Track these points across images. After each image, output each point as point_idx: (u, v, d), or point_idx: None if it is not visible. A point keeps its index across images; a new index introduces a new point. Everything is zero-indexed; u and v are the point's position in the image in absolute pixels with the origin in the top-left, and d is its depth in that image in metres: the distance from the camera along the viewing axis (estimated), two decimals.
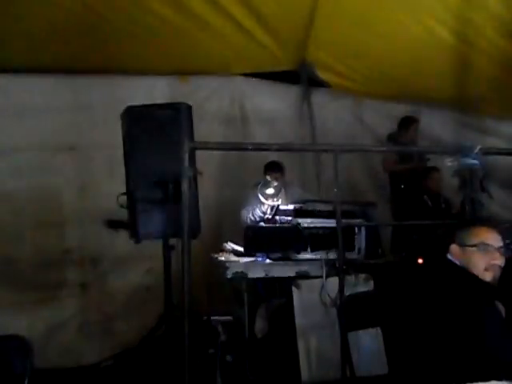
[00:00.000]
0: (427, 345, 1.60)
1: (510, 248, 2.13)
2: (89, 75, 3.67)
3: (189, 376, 2.12)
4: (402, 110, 4.23)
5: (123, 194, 2.39)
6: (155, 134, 2.25)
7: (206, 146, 2.17)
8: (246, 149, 2.24)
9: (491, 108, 4.18)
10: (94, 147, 3.68)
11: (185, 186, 1.98)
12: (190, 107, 2.35)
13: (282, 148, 2.42)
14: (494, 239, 1.64)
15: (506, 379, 1.40)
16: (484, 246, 1.62)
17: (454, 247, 1.67)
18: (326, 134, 4.32)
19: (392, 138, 3.91)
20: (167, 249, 2.43)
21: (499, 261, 1.62)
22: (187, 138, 2.12)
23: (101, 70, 3.70)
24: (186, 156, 1.99)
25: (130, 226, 2.38)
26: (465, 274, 1.60)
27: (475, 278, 1.60)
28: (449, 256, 1.67)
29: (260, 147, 2.37)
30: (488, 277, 1.61)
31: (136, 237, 2.33)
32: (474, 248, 1.62)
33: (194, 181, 2.24)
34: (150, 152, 2.25)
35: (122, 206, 2.40)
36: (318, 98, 4.36)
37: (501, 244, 1.65)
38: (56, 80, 3.64)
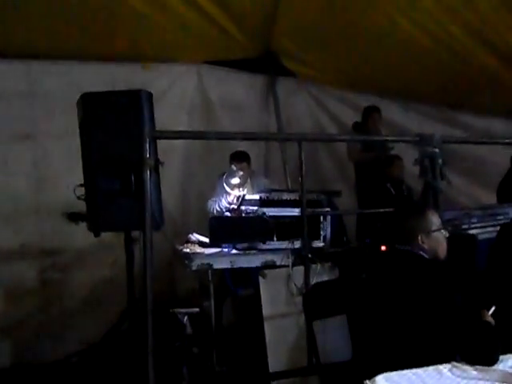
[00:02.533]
0: (390, 330, 1.62)
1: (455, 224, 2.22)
2: (44, 60, 3.50)
3: (153, 371, 2.08)
4: (366, 100, 4.27)
5: (81, 185, 2.29)
6: (114, 122, 2.15)
7: (167, 135, 2.10)
8: (208, 138, 2.18)
9: (451, 98, 4.30)
10: (51, 136, 3.51)
11: (145, 175, 1.91)
12: (150, 94, 2.25)
13: (245, 137, 2.38)
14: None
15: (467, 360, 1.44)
16: (443, 227, 1.70)
17: (419, 237, 1.69)
18: (291, 123, 4.33)
19: (356, 128, 3.94)
20: (129, 241, 2.35)
21: None
22: (147, 127, 2.05)
23: (58, 56, 3.53)
24: (147, 145, 1.91)
25: (89, 218, 2.28)
26: (435, 265, 1.64)
27: (444, 263, 1.65)
28: (415, 246, 1.69)
29: (222, 136, 2.31)
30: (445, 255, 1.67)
31: (95, 229, 2.24)
32: (438, 232, 1.68)
33: (155, 171, 2.16)
34: (109, 141, 2.14)
35: (79, 198, 2.30)
36: (284, 86, 4.35)
37: None
38: (9, 66, 3.44)
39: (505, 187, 3.52)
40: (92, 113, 2.20)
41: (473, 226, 2.66)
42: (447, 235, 1.72)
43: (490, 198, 3.81)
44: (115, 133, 2.17)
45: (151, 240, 1.92)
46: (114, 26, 3.43)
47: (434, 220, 1.72)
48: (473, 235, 2.56)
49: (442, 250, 1.70)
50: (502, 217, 2.65)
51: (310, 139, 2.77)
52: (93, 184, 2.21)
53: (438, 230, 1.69)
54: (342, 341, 2.19)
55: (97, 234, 2.28)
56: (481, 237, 2.57)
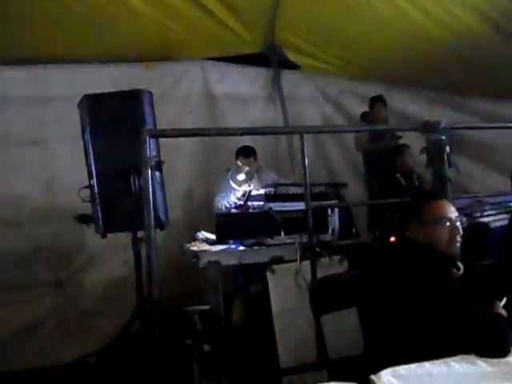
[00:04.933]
0: (397, 322, 1.59)
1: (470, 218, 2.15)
2: (48, 65, 3.53)
3: (164, 368, 2.09)
4: (374, 89, 4.20)
5: (86, 187, 2.30)
6: (115, 123, 2.16)
7: (167, 134, 2.09)
8: (208, 134, 2.17)
9: (461, 84, 4.19)
10: (58, 141, 3.55)
11: (146, 175, 1.91)
12: (150, 93, 2.25)
13: (245, 132, 2.35)
14: (450, 211, 1.61)
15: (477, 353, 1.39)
16: (444, 220, 1.58)
17: (412, 226, 1.63)
18: (298, 116, 4.28)
19: (363, 118, 3.88)
20: (136, 241, 2.36)
21: (460, 231, 1.60)
22: (146, 126, 2.04)
23: (61, 60, 3.56)
24: (146, 144, 1.92)
25: (95, 220, 2.30)
26: (429, 252, 1.58)
27: (439, 255, 1.58)
28: (409, 235, 1.64)
29: (222, 132, 2.30)
30: (452, 250, 1.59)
31: (101, 231, 2.25)
32: (434, 224, 1.59)
33: (158, 170, 2.17)
34: (111, 142, 2.16)
35: (84, 200, 2.31)
36: (289, 79, 4.31)
37: (456, 214, 1.62)
38: (14, 71, 3.48)
39: None
40: (93, 114, 2.22)
41: (485, 213, 2.59)
42: (454, 228, 1.58)
43: (505, 185, 3.71)
44: (117, 133, 2.18)
45: (155, 239, 1.93)
46: (116, 27, 3.43)
47: (434, 211, 1.60)
48: (484, 223, 2.49)
49: (440, 243, 1.58)
50: None
51: (312, 131, 2.73)
52: (96, 186, 2.22)
53: (433, 222, 1.58)
54: (352, 334, 2.16)
55: (103, 236, 2.29)
56: (493, 224, 2.50)
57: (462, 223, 1.62)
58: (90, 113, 2.20)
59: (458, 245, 1.60)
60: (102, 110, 2.18)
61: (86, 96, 2.23)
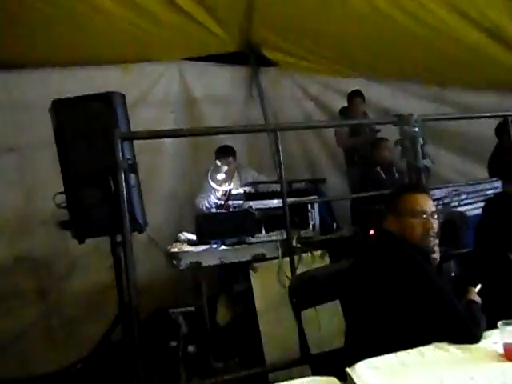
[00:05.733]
0: (376, 315, 1.60)
1: (447, 208, 2.17)
2: (22, 70, 3.47)
3: (149, 372, 2.08)
4: (352, 84, 4.22)
5: (60, 192, 2.27)
6: (88, 127, 2.13)
7: (138, 136, 2.08)
8: (181, 135, 2.16)
9: (438, 76, 4.23)
10: (35, 146, 3.50)
11: (120, 177, 1.89)
12: (123, 96, 2.23)
13: (219, 131, 2.34)
14: (426, 205, 1.63)
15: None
16: (418, 214, 1.60)
17: (390, 218, 1.65)
18: (278, 113, 4.29)
19: (343, 113, 3.90)
20: (114, 246, 2.34)
21: (434, 226, 1.61)
22: (122, 129, 2.03)
23: (36, 64, 3.50)
24: (119, 147, 1.90)
25: (71, 225, 2.27)
26: (402, 243, 1.59)
27: (412, 246, 1.59)
28: (386, 227, 1.66)
29: (195, 132, 2.29)
30: (425, 243, 1.60)
31: (78, 236, 2.23)
32: (408, 216, 1.60)
33: (133, 172, 2.15)
34: (85, 146, 2.12)
35: (59, 206, 2.28)
36: (268, 77, 4.31)
37: (433, 209, 1.64)
38: None
39: (494, 161, 3.47)
40: (65, 119, 2.19)
41: (462, 203, 2.62)
42: (429, 222, 1.59)
43: (484, 174, 3.76)
44: (90, 137, 2.15)
45: (131, 242, 1.91)
46: (90, 30, 3.39)
47: (410, 204, 1.61)
48: (461, 212, 2.52)
49: (414, 236, 1.59)
50: (491, 191, 2.60)
51: (284, 128, 2.75)
52: (72, 191, 2.20)
53: (408, 215, 1.59)
54: (335, 328, 2.17)
55: (81, 241, 2.26)
56: (470, 213, 2.53)
57: (439, 218, 1.64)
58: (62, 117, 2.17)
59: (432, 239, 1.61)
60: (73, 114, 2.15)
61: (57, 100, 2.20)
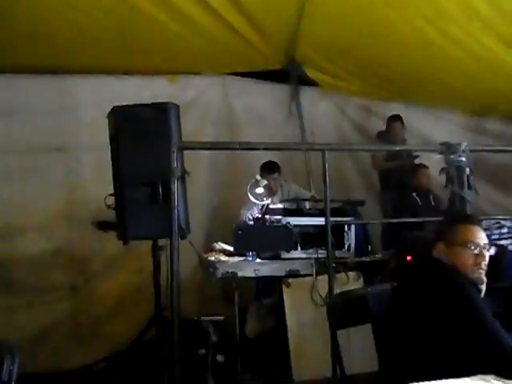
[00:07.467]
0: (418, 341, 1.60)
1: (495, 244, 2.16)
2: (75, 75, 3.64)
3: (179, 378, 2.11)
4: (391, 108, 4.25)
5: (111, 194, 2.37)
6: (142, 134, 2.23)
7: (194, 146, 2.16)
8: (234, 148, 2.22)
9: (479, 106, 4.22)
10: (81, 148, 3.64)
11: (173, 185, 1.97)
12: (177, 106, 2.33)
13: (269, 147, 2.41)
14: (480, 237, 1.65)
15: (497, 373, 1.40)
16: (472, 245, 1.61)
17: (440, 245, 1.67)
18: (315, 133, 4.33)
19: (380, 137, 3.92)
20: (156, 250, 2.41)
21: (486, 259, 1.63)
22: (175, 138, 2.11)
23: (87, 70, 3.67)
24: (174, 156, 1.98)
25: (118, 227, 2.35)
26: (453, 271, 1.61)
27: (464, 274, 1.60)
28: (434, 254, 1.67)
29: (246, 146, 2.36)
30: (475, 276, 1.61)
31: (124, 238, 2.31)
32: (461, 247, 1.62)
33: (182, 181, 2.23)
34: (138, 152, 2.23)
35: (109, 207, 2.38)
36: (307, 96, 4.37)
37: (486, 241, 1.66)
38: (41, 80, 3.60)
39: None
40: (122, 125, 2.29)
41: (503, 236, 2.60)
42: (481, 255, 1.60)
43: None
44: (144, 144, 2.25)
45: (178, 248, 1.98)
46: (142, 41, 3.53)
47: (463, 234, 1.63)
48: (502, 245, 2.50)
49: (464, 267, 1.60)
50: None
51: (333, 149, 2.77)
52: (122, 194, 2.29)
53: (460, 244, 1.61)
54: (367, 351, 2.17)
55: (125, 242, 2.35)
56: (511, 247, 2.50)
57: (489, 251, 1.65)
58: (120, 123, 2.28)
59: (482, 272, 1.63)
60: (130, 121, 2.26)
61: (117, 107, 2.31)
